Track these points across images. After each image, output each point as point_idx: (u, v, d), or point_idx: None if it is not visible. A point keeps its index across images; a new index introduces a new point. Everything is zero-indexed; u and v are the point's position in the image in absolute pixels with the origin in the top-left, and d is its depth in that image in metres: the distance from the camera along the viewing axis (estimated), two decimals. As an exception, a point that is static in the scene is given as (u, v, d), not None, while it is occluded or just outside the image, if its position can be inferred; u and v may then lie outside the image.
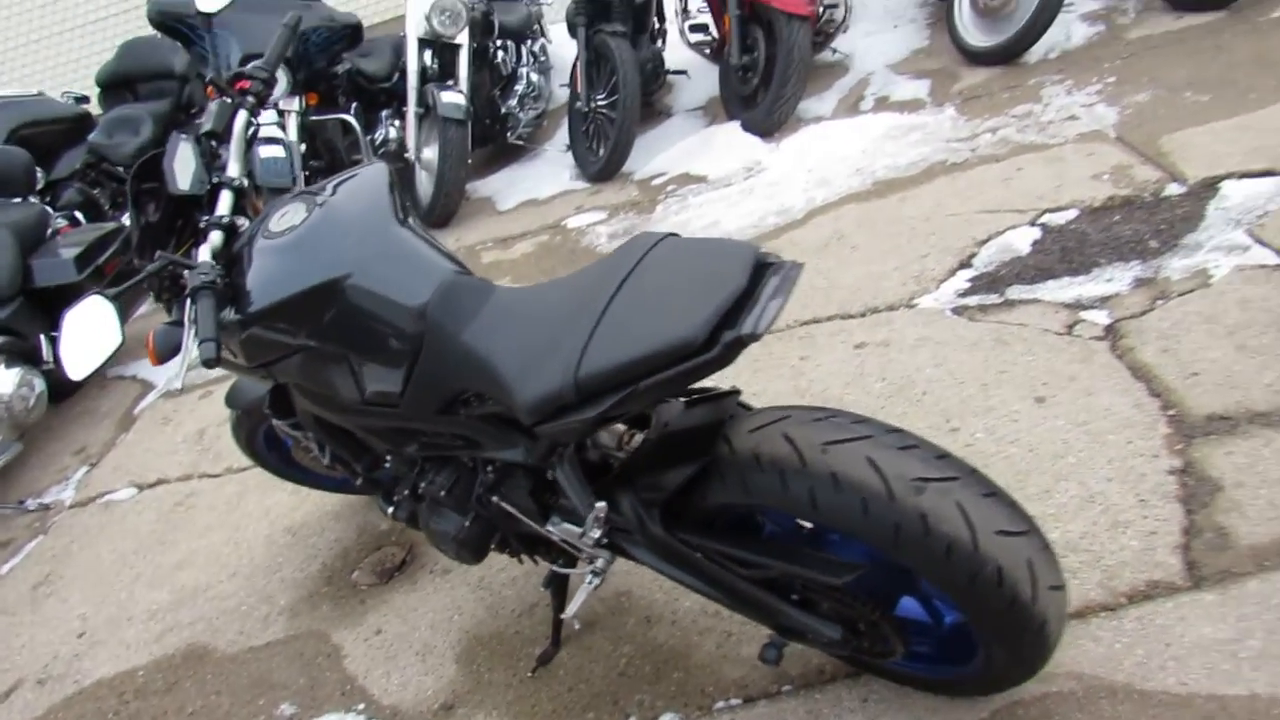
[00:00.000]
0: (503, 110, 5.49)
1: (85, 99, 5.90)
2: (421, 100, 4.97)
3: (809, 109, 4.78)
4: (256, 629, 2.61)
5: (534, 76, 5.76)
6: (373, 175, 1.96)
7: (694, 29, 5.25)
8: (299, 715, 2.28)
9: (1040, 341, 2.66)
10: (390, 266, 1.77)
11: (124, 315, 2.10)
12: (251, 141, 4.80)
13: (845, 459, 1.47)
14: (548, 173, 5.20)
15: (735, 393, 1.74)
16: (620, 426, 1.80)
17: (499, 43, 5.71)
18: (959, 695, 1.77)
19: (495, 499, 1.93)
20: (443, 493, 2.00)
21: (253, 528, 3.04)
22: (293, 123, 5.01)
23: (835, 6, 5.03)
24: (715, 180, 4.38)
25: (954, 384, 2.60)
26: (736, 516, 1.71)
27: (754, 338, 1.30)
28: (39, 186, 4.86)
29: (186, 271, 1.81)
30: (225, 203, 1.99)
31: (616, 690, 2.07)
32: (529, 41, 5.88)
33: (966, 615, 1.50)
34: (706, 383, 1.58)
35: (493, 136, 5.53)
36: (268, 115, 5.14)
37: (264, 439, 2.68)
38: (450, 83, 4.99)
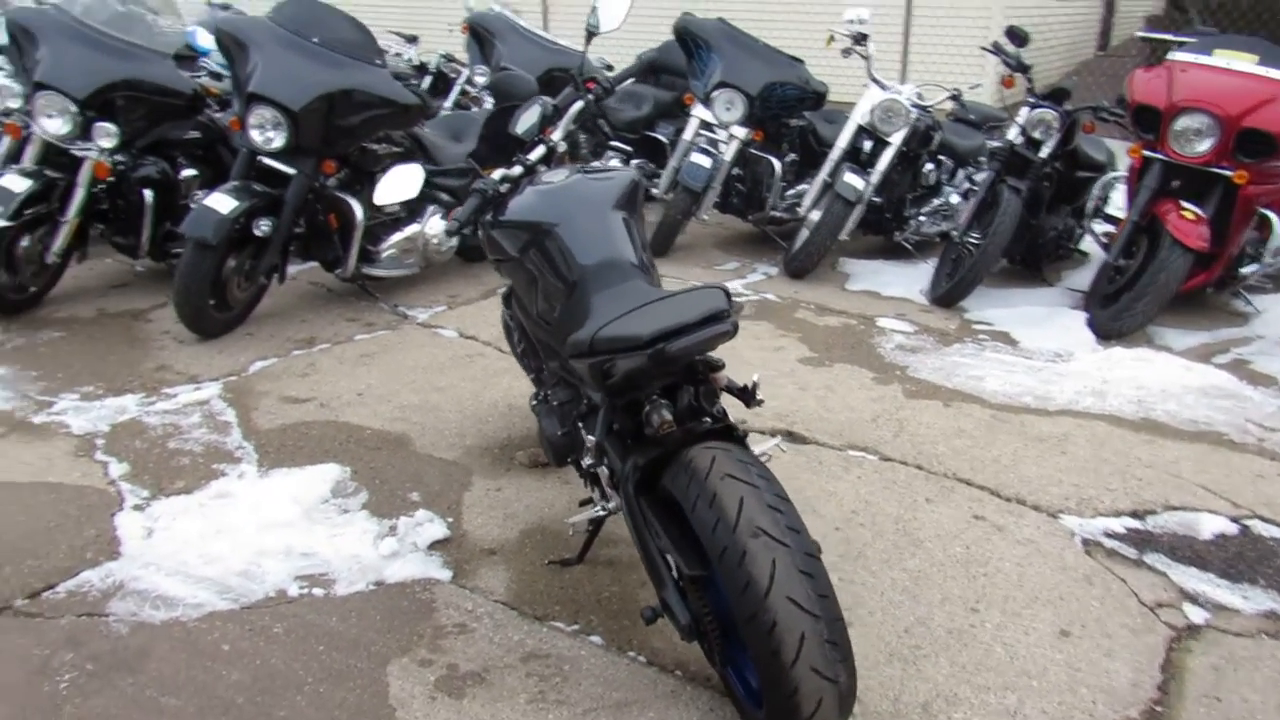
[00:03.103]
0: (906, 213, 5.98)
1: (612, 67, 7.33)
2: (833, 172, 5.64)
3: (1163, 335, 4.72)
4: (441, 447, 3.53)
5: (954, 199, 6.15)
6: (623, 174, 2.71)
7: (1107, 218, 5.33)
8: (417, 503, 3.14)
9: (1119, 601, 2.72)
10: (583, 233, 2.50)
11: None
12: (680, 148, 5.83)
13: (728, 489, 1.95)
14: (906, 279, 5.61)
15: (731, 424, 2.23)
16: (668, 415, 2.34)
17: (940, 159, 6.18)
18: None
19: (580, 425, 2.60)
20: (556, 404, 2.72)
21: (492, 393, 3.98)
22: (733, 147, 5.92)
23: (1255, 259, 4.87)
24: (1022, 350, 4.56)
25: (1014, 585, 2.77)
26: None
27: (668, 351, 1.88)
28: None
29: (480, 179, 2.70)
30: (537, 153, 2.86)
31: (583, 605, 2.66)
32: (970, 168, 6.26)
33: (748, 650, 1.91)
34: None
35: (885, 230, 6.04)
36: (720, 134, 6.12)
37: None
38: (869, 170, 5.59)
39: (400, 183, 2.57)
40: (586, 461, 2.35)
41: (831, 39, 5.83)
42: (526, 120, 2.92)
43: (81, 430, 3.56)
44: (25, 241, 4.55)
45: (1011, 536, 3.01)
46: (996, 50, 5.46)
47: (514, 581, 2.77)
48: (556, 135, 2.93)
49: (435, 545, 2.93)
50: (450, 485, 3.28)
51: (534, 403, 2.99)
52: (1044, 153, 5.17)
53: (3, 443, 3.44)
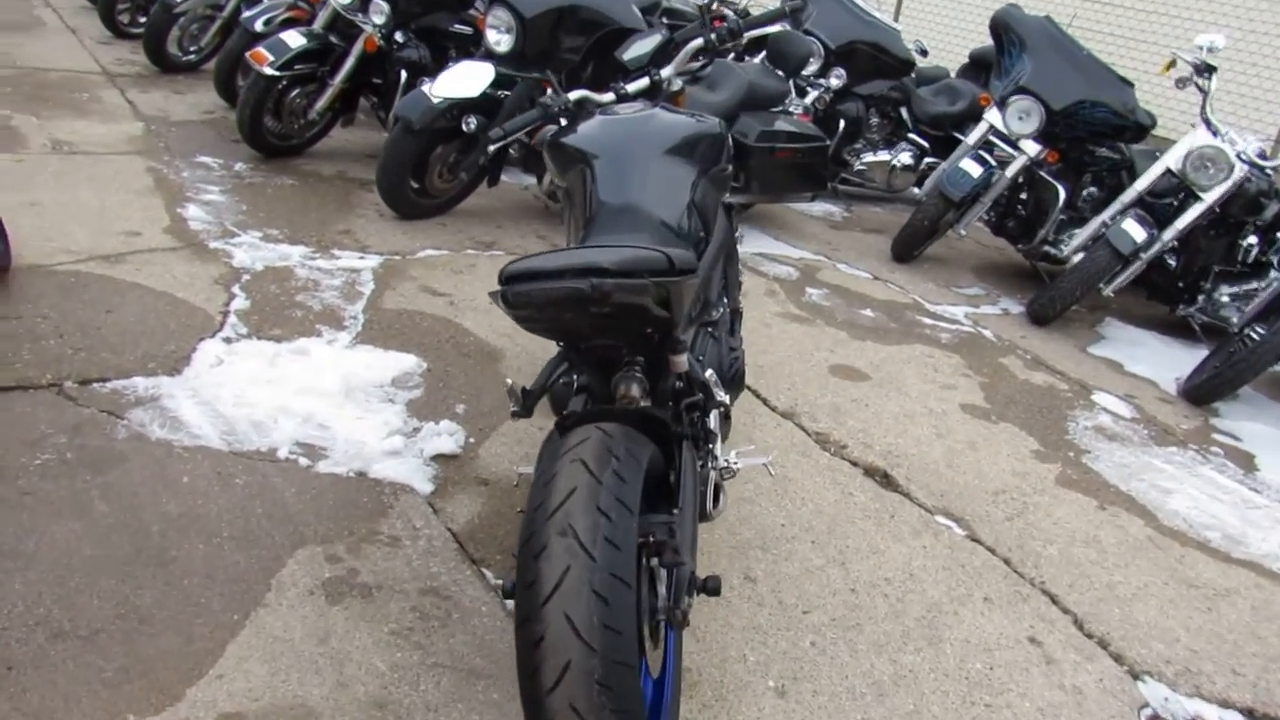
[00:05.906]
0: (1202, 285, 4.95)
1: (925, 52, 6.73)
2: (1117, 215, 4.79)
3: None
4: (523, 374, 3.46)
5: (1280, 283, 5.00)
6: (704, 122, 2.40)
7: None
8: (458, 415, 3.09)
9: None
10: (618, 171, 2.25)
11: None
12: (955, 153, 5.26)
13: (570, 474, 1.67)
14: (1166, 361, 4.68)
15: (665, 419, 1.92)
16: (635, 390, 2.06)
17: (1278, 237, 5.04)
18: None
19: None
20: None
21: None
22: (1018, 163, 5.21)
23: None
24: (1255, 480, 3.62)
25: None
26: None
27: (510, 295, 1.64)
28: (813, 70, 5.97)
29: (548, 96, 2.51)
30: (637, 84, 2.63)
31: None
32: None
33: None
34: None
35: (1171, 299, 5.05)
36: (1005, 149, 5.41)
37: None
38: (1167, 225, 4.69)
39: (462, 77, 2.46)
40: (513, 408, 2.15)
41: (1172, 64, 4.91)
42: (638, 49, 2.71)
43: (239, 264, 3.87)
44: (294, 94, 5.02)
45: (1058, 678, 2.39)
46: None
47: (479, 517, 2.64)
48: (667, 71, 2.67)
49: (439, 458, 2.87)
50: (499, 409, 3.19)
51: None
52: (1395, 254, 4.04)
53: (171, 255, 3.83)
